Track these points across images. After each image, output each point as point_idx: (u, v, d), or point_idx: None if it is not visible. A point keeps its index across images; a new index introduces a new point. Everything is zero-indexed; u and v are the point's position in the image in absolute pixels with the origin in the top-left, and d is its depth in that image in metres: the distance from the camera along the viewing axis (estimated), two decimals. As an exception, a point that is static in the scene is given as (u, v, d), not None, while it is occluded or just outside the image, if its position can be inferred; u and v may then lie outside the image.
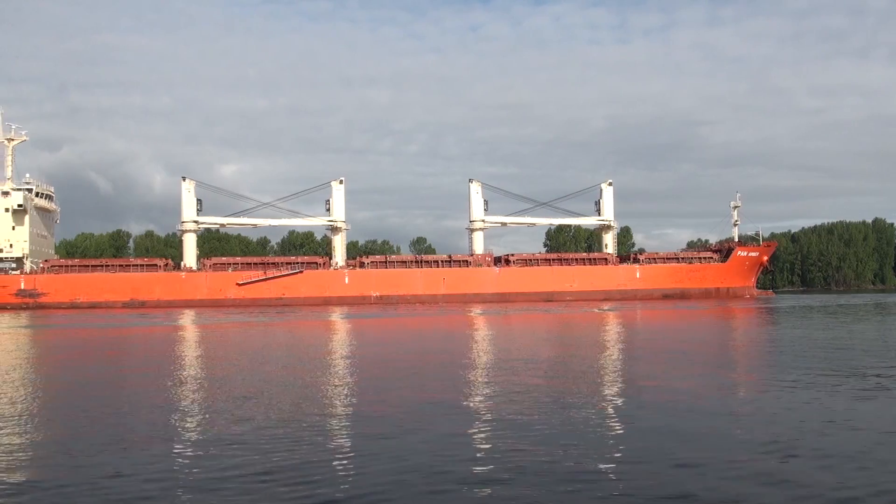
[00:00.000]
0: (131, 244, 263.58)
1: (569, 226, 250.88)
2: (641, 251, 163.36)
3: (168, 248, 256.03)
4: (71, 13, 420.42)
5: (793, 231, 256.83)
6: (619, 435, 16.26)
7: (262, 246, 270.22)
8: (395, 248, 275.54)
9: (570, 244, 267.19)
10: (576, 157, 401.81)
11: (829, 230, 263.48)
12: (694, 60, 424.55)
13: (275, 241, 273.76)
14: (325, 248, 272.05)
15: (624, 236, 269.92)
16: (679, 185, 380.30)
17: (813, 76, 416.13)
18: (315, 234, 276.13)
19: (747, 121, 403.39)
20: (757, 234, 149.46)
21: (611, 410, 19.33)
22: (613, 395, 21.80)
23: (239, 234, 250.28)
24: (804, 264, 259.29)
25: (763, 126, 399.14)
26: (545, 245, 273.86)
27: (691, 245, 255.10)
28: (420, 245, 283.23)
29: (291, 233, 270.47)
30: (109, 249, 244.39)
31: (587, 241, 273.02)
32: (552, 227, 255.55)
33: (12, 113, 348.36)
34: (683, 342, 42.73)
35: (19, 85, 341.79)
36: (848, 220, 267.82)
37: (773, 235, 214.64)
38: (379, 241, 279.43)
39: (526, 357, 33.01)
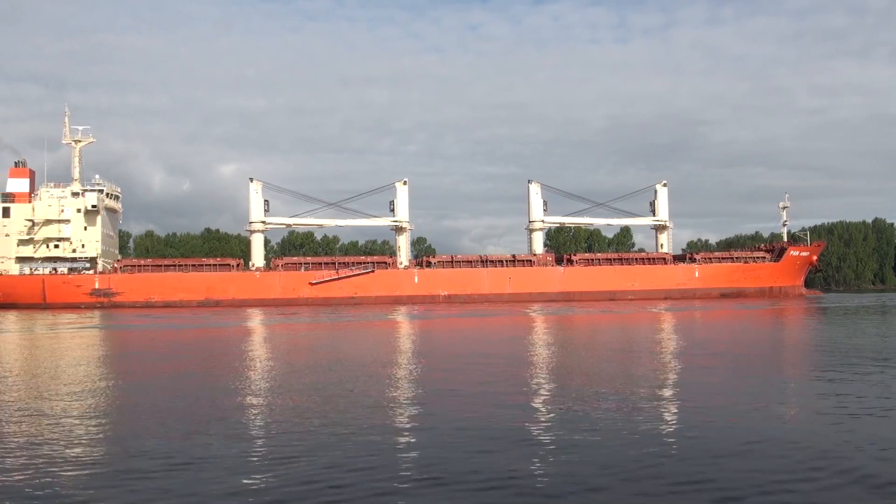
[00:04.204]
0: (131, 244, 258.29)
1: (569, 226, 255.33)
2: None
3: (168, 248, 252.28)
4: (69, 13, 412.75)
5: (793, 231, 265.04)
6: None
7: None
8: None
9: (570, 244, 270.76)
10: (576, 157, 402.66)
11: (829, 230, 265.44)
12: (694, 60, 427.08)
13: (274, 241, 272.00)
14: (324, 248, 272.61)
15: (624, 236, 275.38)
16: (679, 185, 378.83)
17: (813, 76, 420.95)
18: (315, 235, 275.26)
19: (747, 121, 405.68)
20: (804, 234, 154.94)
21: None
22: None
23: (239, 234, 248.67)
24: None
25: (763, 126, 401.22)
26: (545, 245, 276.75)
27: (692, 246, 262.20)
28: (420, 245, 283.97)
29: (291, 233, 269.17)
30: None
31: (587, 241, 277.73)
32: (552, 228, 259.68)
33: (11, 113, 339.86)
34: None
35: (18, 84, 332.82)
36: (848, 220, 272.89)
37: (773, 235, 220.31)
38: (379, 242, 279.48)
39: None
